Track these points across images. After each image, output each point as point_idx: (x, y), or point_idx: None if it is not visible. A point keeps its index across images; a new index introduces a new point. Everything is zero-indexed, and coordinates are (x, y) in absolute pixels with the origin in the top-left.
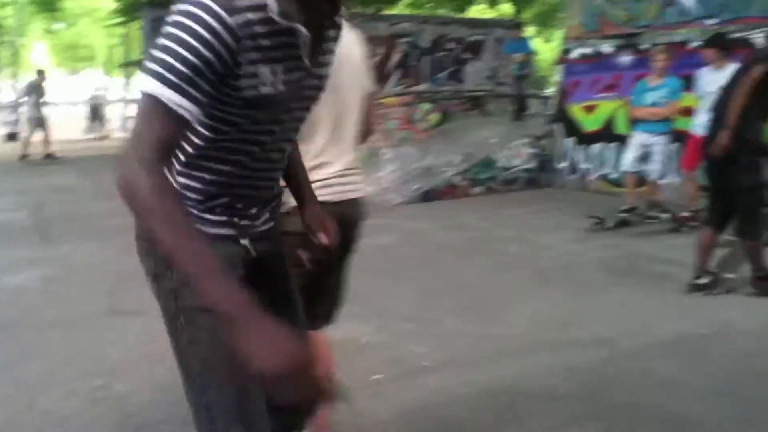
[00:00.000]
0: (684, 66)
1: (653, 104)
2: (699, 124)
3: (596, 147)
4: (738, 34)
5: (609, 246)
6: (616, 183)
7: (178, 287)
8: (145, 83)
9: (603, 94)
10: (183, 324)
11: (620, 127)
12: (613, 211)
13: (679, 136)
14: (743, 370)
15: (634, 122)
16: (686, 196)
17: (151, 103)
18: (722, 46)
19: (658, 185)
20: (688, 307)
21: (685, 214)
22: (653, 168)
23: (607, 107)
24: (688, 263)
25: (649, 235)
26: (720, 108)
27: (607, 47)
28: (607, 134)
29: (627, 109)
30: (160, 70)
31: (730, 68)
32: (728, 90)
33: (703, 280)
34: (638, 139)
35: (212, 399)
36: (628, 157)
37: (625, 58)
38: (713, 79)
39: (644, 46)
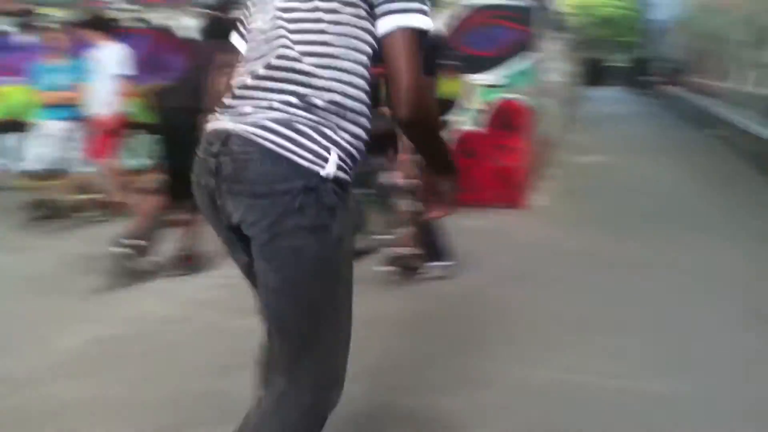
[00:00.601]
0: (83, 46)
1: (59, 88)
2: (100, 105)
3: (5, 139)
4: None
5: (33, 249)
6: (35, 176)
7: (343, 234)
8: (422, 20)
9: (5, 78)
10: (338, 275)
11: (30, 115)
12: (28, 208)
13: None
14: (169, 364)
15: (44, 108)
16: (107, 184)
17: (419, 36)
18: (99, 26)
19: (79, 175)
20: (104, 305)
21: (114, 200)
22: (65, 157)
23: (10, 93)
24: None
25: (76, 231)
26: (189, 89)
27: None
28: (15, 124)
29: (34, 94)
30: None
31: (112, 48)
32: (197, 70)
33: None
34: (47, 127)
35: (343, 336)
36: (39, 148)
37: (25, 38)
38: (100, 57)
39: (45, 24)
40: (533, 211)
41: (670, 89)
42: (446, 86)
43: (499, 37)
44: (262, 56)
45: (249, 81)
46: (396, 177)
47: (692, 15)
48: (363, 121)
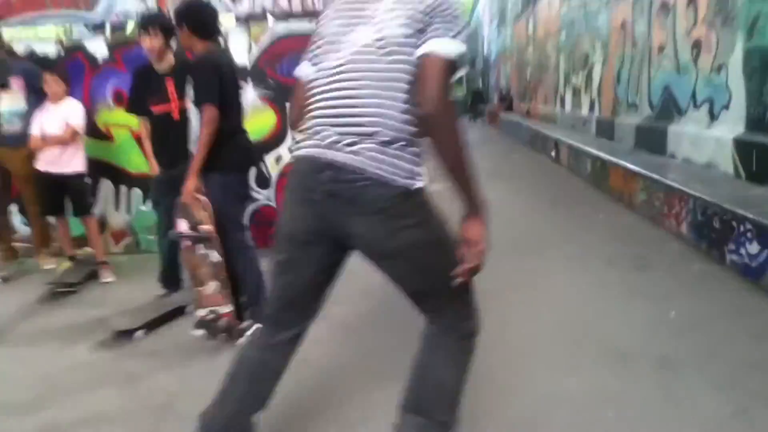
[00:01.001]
0: None
1: None
2: None
3: None
4: None
5: None
6: None
7: (441, 221)
8: (455, 48)
9: None
10: (446, 243)
11: None
12: None
13: None
14: None
15: None
16: None
17: (452, 60)
18: None
19: None
20: None
21: None
22: None
23: None
24: None
25: None
26: None
27: None
28: None
29: None
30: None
31: None
32: None
33: None
34: None
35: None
36: None
37: None
38: None
39: None
40: None
41: (505, 116)
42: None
43: None
44: (342, 91)
45: (336, 118)
46: (181, 225)
47: (516, 47)
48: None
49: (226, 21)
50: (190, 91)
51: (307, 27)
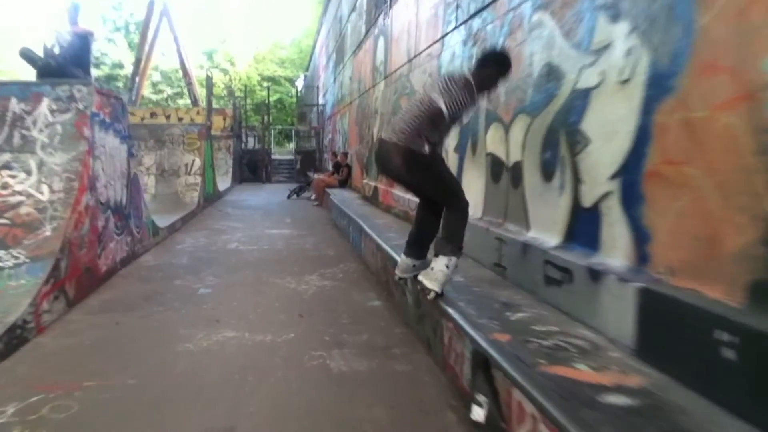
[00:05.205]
0: None
1: None
2: None
3: None
4: None
5: None
6: None
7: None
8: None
9: None
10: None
11: None
12: None
13: None
14: None
15: None
16: None
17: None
18: None
19: None
20: None
21: None
22: None
23: None
24: None
25: None
26: None
27: None
28: None
29: None
30: None
31: None
32: None
33: None
34: None
35: (454, 187)
36: None
37: None
38: None
39: None
40: None
41: (339, 195)
42: None
43: None
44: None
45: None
46: None
47: (357, 88)
48: None
49: None
50: None
51: None
